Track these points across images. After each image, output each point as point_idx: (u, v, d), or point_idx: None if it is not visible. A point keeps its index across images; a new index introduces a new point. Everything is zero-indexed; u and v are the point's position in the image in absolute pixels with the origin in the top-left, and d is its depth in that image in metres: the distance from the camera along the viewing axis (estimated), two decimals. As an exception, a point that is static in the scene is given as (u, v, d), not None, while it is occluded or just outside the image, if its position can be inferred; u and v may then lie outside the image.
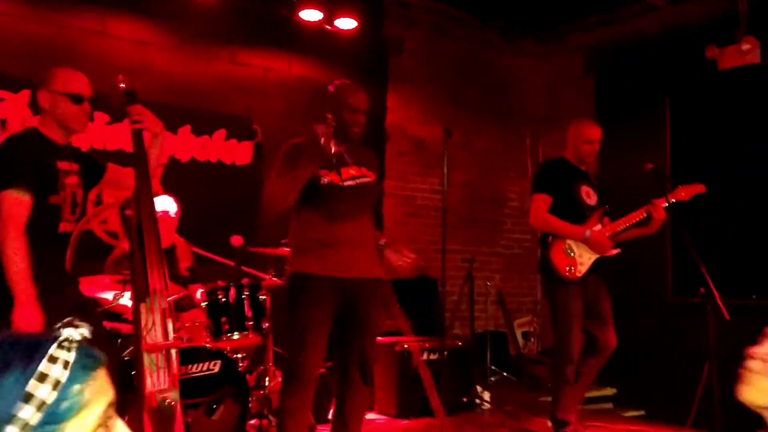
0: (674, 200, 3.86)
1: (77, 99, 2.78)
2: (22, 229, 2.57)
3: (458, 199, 6.39)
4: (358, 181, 3.14)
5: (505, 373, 6.10)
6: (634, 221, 3.90)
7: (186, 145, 5.04)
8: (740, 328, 3.86)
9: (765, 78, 4.72)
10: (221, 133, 5.19)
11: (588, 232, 3.85)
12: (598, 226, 3.94)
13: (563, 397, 3.94)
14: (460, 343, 5.02)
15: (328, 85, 3.29)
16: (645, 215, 3.85)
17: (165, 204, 4.09)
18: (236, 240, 4.14)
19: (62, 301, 2.73)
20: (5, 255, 2.56)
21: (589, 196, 4.01)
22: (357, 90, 3.31)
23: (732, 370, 4.02)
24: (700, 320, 3.65)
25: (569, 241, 3.91)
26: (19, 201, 2.58)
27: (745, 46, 4.78)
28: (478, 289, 6.12)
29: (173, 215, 4.13)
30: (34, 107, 4.10)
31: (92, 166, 2.99)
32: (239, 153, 5.30)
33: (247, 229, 4.57)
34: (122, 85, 2.94)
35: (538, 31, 6.55)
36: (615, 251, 3.93)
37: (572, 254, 3.89)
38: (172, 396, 2.72)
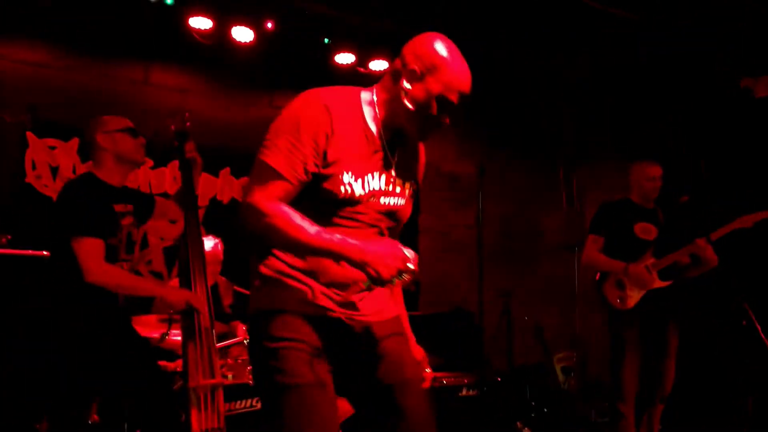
0: (719, 236, 3.84)
1: (134, 132, 2.96)
2: (104, 262, 2.79)
3: (493, 234, 6.41)
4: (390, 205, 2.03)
5: (545, 409, 6.02)
6: (681, 258, 3.95)
7: (226, 186, 5.19)
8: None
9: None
10: (260, 173, 5.33)
11: (627, 267, 3.96)
12: (652, 261, 3.99)
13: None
14: (499, 378, 4.99)
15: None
16: (688, 256, 3.90)
17: (209, 244, 4.21)
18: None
19: (117, 342, 2.85)
20: (112, 287, 2.82)
21: (646, 232, 4.09)
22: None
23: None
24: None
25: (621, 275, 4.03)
26: (96, 244, 2.75)
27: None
28: (515, 323, 6.10)
29: (217, 255, 4.25)
30: (84, 153, 4.33)
31: (143, 201, 3.14)
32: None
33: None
34: (172, 128, 3.09)
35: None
36: (662, 283, 3.95)
37: (623, 287, 4.01)
38: (219, 432, 2.78)
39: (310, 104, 1.89)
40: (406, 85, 1.90)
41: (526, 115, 6.76)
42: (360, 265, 1.74)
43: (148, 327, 3.62)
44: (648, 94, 5.89)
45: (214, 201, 5.13)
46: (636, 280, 3.95)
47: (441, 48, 1.88)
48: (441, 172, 6.26)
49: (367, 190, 1.90)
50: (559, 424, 5.70)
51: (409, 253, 1.75)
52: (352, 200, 1.88)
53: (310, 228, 1.77)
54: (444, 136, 6.25)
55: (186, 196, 3.05)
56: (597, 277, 4.14)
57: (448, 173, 6.27)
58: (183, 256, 3.02)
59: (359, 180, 1.89)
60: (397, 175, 1.99)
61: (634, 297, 3.96)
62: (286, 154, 1.83)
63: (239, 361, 3.85)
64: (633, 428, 3.94)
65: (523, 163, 6.73)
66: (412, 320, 5.79)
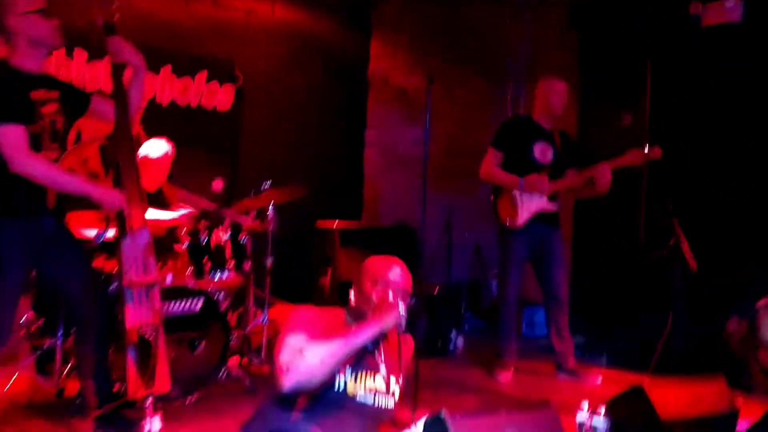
0: (623, 165, 4.02)
1: (46, 13, 2.77)
2: (30, 151, 2.65)
3: (439, 150, 6.42)
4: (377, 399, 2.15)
5: (479, 321, 6.27)
6: (575, 182, 4.19)
7: (167, 87, 5.00)
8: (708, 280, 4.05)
9: (744, 36, 4.75)
10: (203, 74, 5.15)
11: (522, 180, 4.15)
12: (546, 179, 4.18)
13: (500, 332, 4.37)
14: (435, 291, 5.13)
15: None
16: (588, 178, 4.09)
17: (161, 148, 4.08)
18: (217, 184, 4.17)
19: (40, 229, 2.76)
20: (39, 180, 2.68)
21: (543, 154, 4.25)
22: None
23: (694, 319, 4.18)
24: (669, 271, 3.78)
25: (515, 193, 4.20)
26: (16, 130, 2.61)
27: (728, 3, 4.82)
28: (456, 239, 6.23)
29: (166, 157, 4.12)
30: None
31: (75, 95, 2.97)
32: (221, 97, 5.27)
33: (228, 174, 4.60)
34: (99, 20, 2.90)
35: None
36: (552, 205, 4.20)
37: (515, 205, 4.21)
38: (153, 330, 2.78)
39: None
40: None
41: (477, 31, 6.66)
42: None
43: (84, 223, 3.55)
44: (601, 14, 5.86)
45: (153, 103, 4.94)
46: (530, 189, 4.14)
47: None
48: (388, 83, 6.17)
49: None
50: (491, 335, 5.96)
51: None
52: None
53: None
54: (394, 49, 6.16)
55: (117, 98, 2.90)
56: (491, 197, 4.34)
57: (397, 86, 6.18)
58: (113, 157, 2.92)
59: None
60: None
61: (523, 215, 4.19)
62: None
63: (179, 264, 3.83)
64: (513, 328, 4.40)
65: (473, 80, 6.68)
66: (356, 232, 5.86)
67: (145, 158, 4.07)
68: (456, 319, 5.67)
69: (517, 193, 4.19)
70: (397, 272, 2.23)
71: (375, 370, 2.14)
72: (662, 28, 5.35)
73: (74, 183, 2.82)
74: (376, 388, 2.13)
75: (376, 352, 2.17)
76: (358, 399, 2.09)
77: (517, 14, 6.84)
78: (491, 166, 4.26)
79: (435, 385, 3.99)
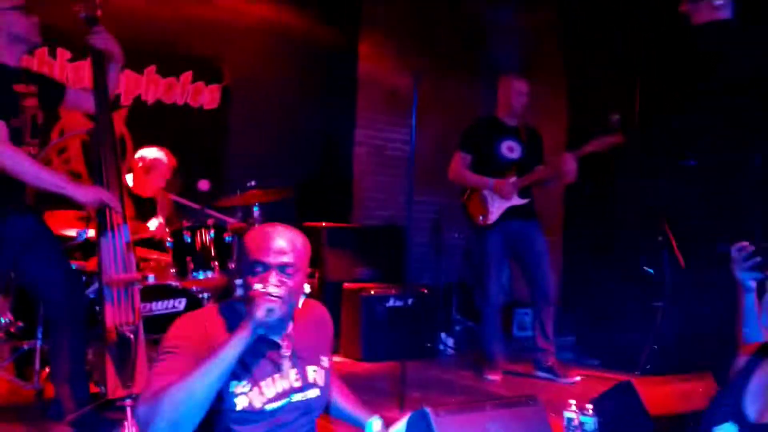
0: (590, 152, 4.04)
1: (25, 9, 2.76)
2: (8, 143, 2.60)
3: (429, 150, 6.36)
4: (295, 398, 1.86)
5: (469, 323, 6.22)
6: (542, 176, 4.25)
7: (152, 86, 4.94)
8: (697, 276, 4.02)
9: (735, 34, 4.73)
10: (188, 74, 5.10)
11: (491, 182, 4.21)
12: (514, 178, 4.23)
13: (485, 333, 4.36)
14: (425, 291, 5.09)
15: None
16: (552, 172, 4.17)
17: (155, 154, 4.07)
18: (203, 184, 4.12)
19: (17, 228, 2.71)
20: (16, 173, 2.62)
21: (511, 150, 4.32)
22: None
23: (684, 316, 4.14)
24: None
25: (485, 192, 4.27)
26: None
27: (718, 2, 4.80)
28: (446, 241, 6.19)
29: (160, 163, 4.08)
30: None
31: (50, 86, 2.95)
32: (207, 96, 5.21)
33: (214, 173, 4.54)
34: (82, 14, 2.87)
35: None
36: (521, 201, 4.23)
37: (486, 204, 4.26)
38: (132, 329, 2.72)
39: None
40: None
41: (466, 30, 6.64)
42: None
43: (64, 223, 3.49)
44: (589, 11, 5.84)
45: (138, 101, 4.88)
46: (499, 193, 4.19)
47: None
48: (378, 83, 6.12)
49: None
50: (481, 337, 5.92)
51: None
52: None
53: None
54: (383, 49, 6.11)
55: (97, 89, 2.87)
56: (463, 198, 4.39)
57: (386, 86, 6.14)
58: (94, 151, 2.88)
59: None
60: None
61: (494, 213, 4.24)
62: None
63: (162, 263, 3.77)
64: (498, 330, 4.38)
65: (461, 79, 6.65)
66: (344, 232, 5.82)
67: (142, 159, 4.05)
68: (445, 321, 5.64)
69: (486, 191, 4.25)
70: (271, 244, 1.77)
71: (276, 369, 1.81)
72: (651, 24, 5.33)
73: (51, 179, 2.76)
74: (291, 386, 1.83)
75: (280, 347, 1.83)
76: (269, 409, 1.77)
77: (507, 12, 6.83)
78: (459, 168, 4.38)
79: (423, 386, 3.95)
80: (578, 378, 4.22)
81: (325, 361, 1.95)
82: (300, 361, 1.87)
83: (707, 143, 4.77)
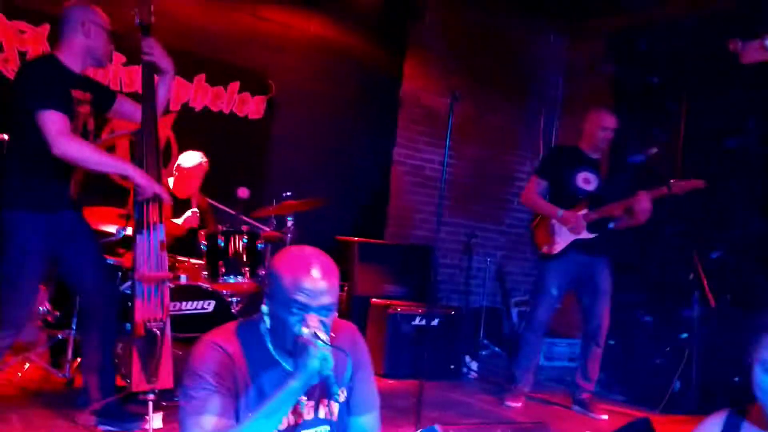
0: (666, 194, 3.91)
1: (110, 34, 2.91)
2: (72, 134, 2.74)
3: (466, 173, 6.41)
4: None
5: (496, 348, 6.19)
6: (614, 212, 4.10)
7: (200, 93, 5.10)
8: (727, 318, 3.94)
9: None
10: (235, 85, 5.25)
11: (560, 212, 4.14)
12: (585, 211, 4.13)
13: (520, 359, 4.32)
14: (452, 312, 5.09)
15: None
16: (625, 208, 4.02)
17: (193, 157, 4.24)
18: (243, 192, 4.23)
19: (61, 223, 2.83)
20: (80, 161, 2.77)
21: (587, 182, 4.22)
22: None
23: (711, 356, 4.05)
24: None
25: (554, 222, 4.20)
26: (60, 117, 2.71)
27: None
28: (478, 264, 6.19)
29: (199, 168, 4.25)
30: (54, 41, 4.20)
31: (103, 92, 3.08)
32: (252, 106, 5.35)
33: (254, 182, 4.65)
34: (137, 19, 3.00)
35: (562, 10, 6.49)
36: (588, 235, 4.12)
37: (552, 234, 4.21)
38: (160, 326, 2.81)
39: None
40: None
41: (512, 56, 6.66)
42: None
43: (104, 219, 3.62)
44: (637, 45, 5.82)
45: (186, 107, 5.05)
46: (566, 224, 4.13)
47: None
48: (420, 104, 6.19)
49: None
50: (507, 363, 5.87)
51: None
52: None
53: None
54: (427, 69, 6.19)
55: (145, 101, 2.99)
56: (534, 224, 4.34)
57: (427, 106, 6.20)
58: (138, 150, 3.00)
59: None
60: None
61: (560, 243, 4.17)
62: None
63: (195, 265, 3.88)
64: (536, 356, 4.38)
65: (504, 105, 6.68)
66: (375, 248, 5.86)
67: (179, 167, 4.23)
68: (472, 344, 5.61)
69: (555, 221, 4.19)
70: (312, 285, 1.61)
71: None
72: (699, 63, 5.28)
73: (113, 162, 2.90)
74: (295, 420, 1.69)
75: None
76: None
77: (554, 41, 6.85)
78: (532, 193, 4.31)
79: (441, 407, 3.95)
80: (606, 416, 4.14)
81: (342, 394, 1.75)
82: (314, 393, 1.71)
83: (750, 183, 4.69)
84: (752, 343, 1.64)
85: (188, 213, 4.17)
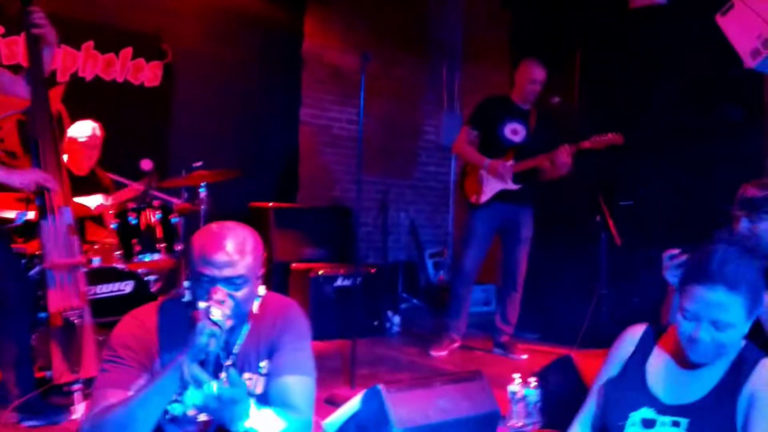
0: (586, 148, 4.08)
1: None
2: None
3: (374, 130, 6.40)
4: None
5: (415, 301, 6.35)
6: (537, 164, 4.21)
7: (90, 62, 4.79)
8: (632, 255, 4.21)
9: (670, 18, 4.89)
10: (128, 51, 4.95)
11: (487, 162, 4.23)
12: (510, 162, 4.22)
13: (451, 311, 4.43)
14: (373, 270, 5.14)
15: None
16: (548, 162, 4.14)
17: (86, 128, 3.94)
18: (146, 163, 4.03)
19: None
20: None
21: (515, 133, 4.32)
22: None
23: (620, 291, 4.31)
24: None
25: (482, 172, 4.29)
26: None
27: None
28: (392, 220, 6.26)
29: (94, 140, 3.96)
30: None
31: None
32: (148, 73, 5.08)
33: (157, 153, 4.46)
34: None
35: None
36: (513, 186, 4.25)
37: (480, 183, 4.29)
38: (78, 314, 2.68)
39: None
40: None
41: (411, 8, 6.64)
42: None
43: (2, 205, 3.37)
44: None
45: (76, 77, 4.73)
46: (492, 174, 4.23)
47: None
48: (323, 61, 6.09)
49: None
50: (426, 315, 6.05)
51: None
52: None
53: None
54: (328, 26, 6.08)
55: (32, 72, 2.78)
56: (463, 174, 4.43)
57: (331, 64, 6.12)
58: (30, 133, 2.79)
59: None
60: None
61: (487, 193, 4.28)
62: None
63: (106, 245, 3.70)
64: (465, 304, 4.42)
65: (408, 58, 6.68)
66: (291, 212, 5.79)
67: (73, 140, 3.93)
68: (393, 300, 5.72)
69: (483, 171, 4.27)
70: (217, 256, 1.61)
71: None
72: (591, 9, 5.45)
73: None
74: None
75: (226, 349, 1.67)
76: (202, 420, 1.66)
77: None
78: (463, 142, 4.40)
79: (371, 363, 4.03)
80: (525, 356, 4.37)
81: (264, 367, 1.75)
82: (238, 368, 1.70)
83: (644, 118, 4.94)
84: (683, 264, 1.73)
85: (95, 198, 3.86)
